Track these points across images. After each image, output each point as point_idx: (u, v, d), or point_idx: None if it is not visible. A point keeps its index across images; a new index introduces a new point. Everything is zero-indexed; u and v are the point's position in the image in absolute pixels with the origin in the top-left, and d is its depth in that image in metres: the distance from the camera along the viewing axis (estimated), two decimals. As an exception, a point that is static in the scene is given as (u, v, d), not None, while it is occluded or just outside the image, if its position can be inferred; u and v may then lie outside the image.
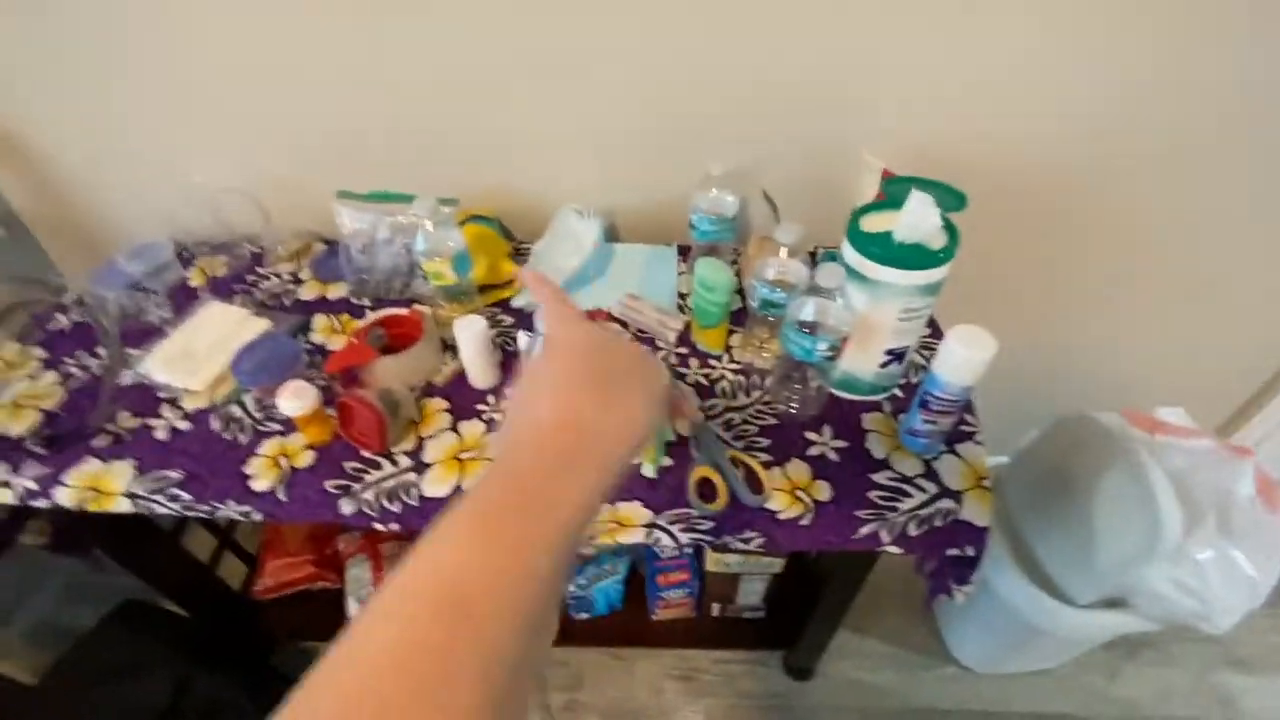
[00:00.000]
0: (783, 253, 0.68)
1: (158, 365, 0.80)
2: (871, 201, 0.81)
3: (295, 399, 0.67)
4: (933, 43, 0.81)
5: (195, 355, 0.81)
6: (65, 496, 0.70)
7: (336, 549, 1.24)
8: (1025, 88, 0.85)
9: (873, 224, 0.65)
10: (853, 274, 0.64)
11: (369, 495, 0.68)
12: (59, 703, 1.00)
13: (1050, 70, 0.83)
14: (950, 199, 0.64)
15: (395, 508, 0.68)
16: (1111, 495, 0.87)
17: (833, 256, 0.67)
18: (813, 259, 0.92)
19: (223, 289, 0.93)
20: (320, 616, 1.21)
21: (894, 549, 0.69)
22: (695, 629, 1.20)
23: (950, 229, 0.63)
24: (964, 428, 0.71)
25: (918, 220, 0.59)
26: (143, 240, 0.95)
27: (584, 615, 1.18)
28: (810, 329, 0.63)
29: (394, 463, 0.70)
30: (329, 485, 0.69)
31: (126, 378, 0.79)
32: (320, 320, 0.87)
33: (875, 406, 0.75)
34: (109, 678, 1.01)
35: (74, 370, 0.82)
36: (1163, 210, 0.98)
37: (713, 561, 1.04)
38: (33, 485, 0.70)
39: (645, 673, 1.22)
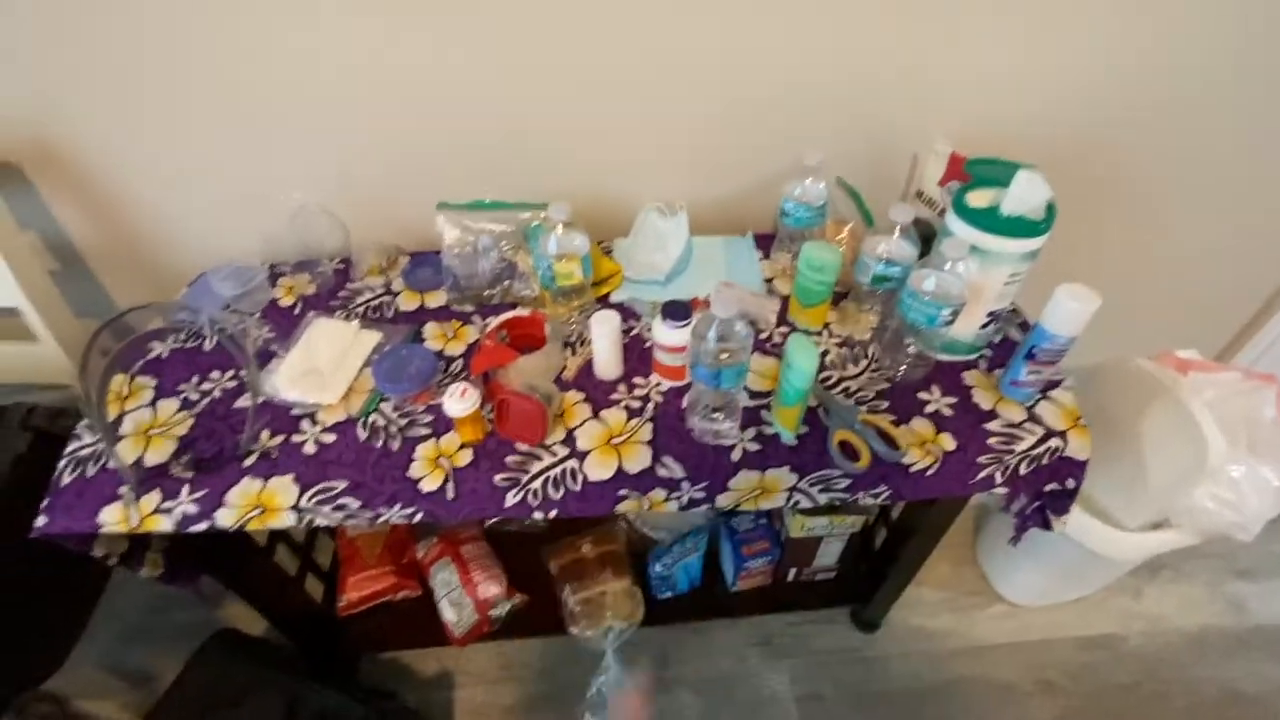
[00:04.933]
0: (896, 231, 0.76)
1: (285, 383, 0.81)
2: (942, 181, 0.90)
3: (462, 400, 0.70)
4: (978, 50, 0.90)
5: (320, 371, 0.82)
6: (227, 517, 0.71)
7: (415, 557, 1.26)
8: (1047, 82, 0.96)
9: (975, 200, 0.73)
10: (963, 246, 0.72)
11: (536, 485, 0.72)
12: (171, 737, 0.99)
13: (1068, 67, 0.94)
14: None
15: (558, 494, 0.72)
16: (1155, 428, 0.99)
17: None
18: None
19: (317, 305, 0.94)
20: (403, 625, 1.23)
21: (1002, 489, 0.78)
22: (770, 595, 1.27)
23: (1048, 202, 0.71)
24: (1053, 376, 0.81)
25: (1027, 195, 0.68)
26: (207, 265, 0.96)
27: (668, 594, 1.24)
28: (933, 297, 0.71)
29: (552, 453, 0.74)
30: (497, 479, 0.72)
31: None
32: (432, 328, 0.90)
33: (972, 365, 0.83)
34: (220, 705, 1.01)
35: (193, 396, 0.82)
36: (1151, 171, 1.10)
37: (796, 527, 1.11)
38: (193, 510, 0.71)
39: (726, 642, 1.29)
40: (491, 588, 1.18)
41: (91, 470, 0.75)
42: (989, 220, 0.70)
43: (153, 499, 0.72)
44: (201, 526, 0.71)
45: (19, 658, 0.89)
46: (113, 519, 0.71)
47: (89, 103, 0.88)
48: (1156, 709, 1.20)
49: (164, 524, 0.71)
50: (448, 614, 1.16)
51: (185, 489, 0.72)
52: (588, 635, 1.15)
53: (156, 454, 0.76)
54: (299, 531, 1.24)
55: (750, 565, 1.19)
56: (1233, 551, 1.39)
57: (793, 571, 1.24)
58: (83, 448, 0.77)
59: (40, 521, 0.72)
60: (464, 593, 1.17)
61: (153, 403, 0.81)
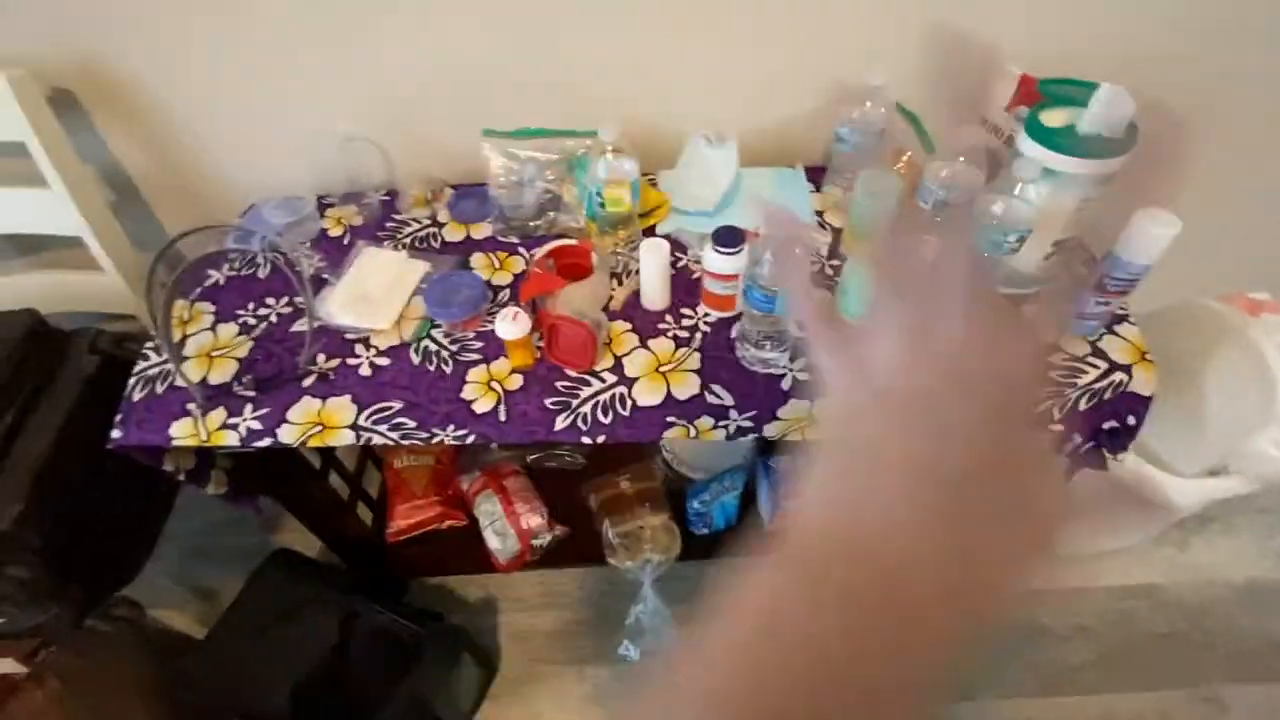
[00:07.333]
0: (963, 154, 0.72)
1: (338, 309, 0.82)
2: (1009, 106, 0.85)
3: (514, 324, 0.71)
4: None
5: (371, 298, 0.83)
6: (289, 434, 0.73)
7: (459, 489, 1.30)
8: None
9: (1049, 120, 0.69)
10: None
11: (586, 409, 0.73)
12: (238, 648, 1.05)
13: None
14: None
15: (607, 419, 0.73)
16: (1222, 372, 0.95)
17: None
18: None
19: (365, 236, 0.94)
20: (449, 552, 1.28)
21: (1057, 427, 0.76)
22: (806, 536, 1.28)
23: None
24: (1120, 310, 0.78)
25: (1110, 111, 0.64)
26: (255, 198, 0.97)
27: (704, 531, 1.26)
28: (1000, 222, 0.68)
29: (601, 379, 0.75)
30: (547, 403, 0.73)
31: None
32: (479, 259, 0.90)
33: (1030, 299, 0.80)
34: (280, 620, 1.07)
35: (249, 320, 0.84)
36: (1235, 98, 1.02)
37: (837, 467, 1.11)
38: (257, 425, 0.73)
39: (760, 580, 1.31)
40: (534, 519, 1.21)
41: (160, 388, 0.78)
42: (1064, 140, 0.67)
43: (219, 415, 0.74)
44: (265, 442, 0.74)
45: (104, 561, 0.95)
46: (183, 433, 0.74)
47: (141, 32, 0.88)
48: (1195, 655, 1.20)
49: (230, 438, 0.74)
50: (493, 542, 1.20)
51: (248, 407, 0.75)
52: (627, 566, 1.18)
53: (219, 374, 0.78)
54: (350, 461, 1.29)
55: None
56: (1283, 507, 1.36)
57: (830, 512, 1.24)
58: (151, 367, 0.80)
59: (116, 434, 0.75)
60: (507, 523, 1.21)
61: (213, 327, 0.84)
